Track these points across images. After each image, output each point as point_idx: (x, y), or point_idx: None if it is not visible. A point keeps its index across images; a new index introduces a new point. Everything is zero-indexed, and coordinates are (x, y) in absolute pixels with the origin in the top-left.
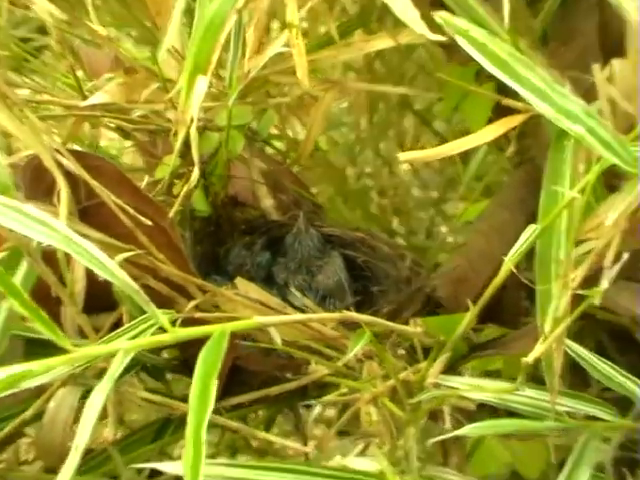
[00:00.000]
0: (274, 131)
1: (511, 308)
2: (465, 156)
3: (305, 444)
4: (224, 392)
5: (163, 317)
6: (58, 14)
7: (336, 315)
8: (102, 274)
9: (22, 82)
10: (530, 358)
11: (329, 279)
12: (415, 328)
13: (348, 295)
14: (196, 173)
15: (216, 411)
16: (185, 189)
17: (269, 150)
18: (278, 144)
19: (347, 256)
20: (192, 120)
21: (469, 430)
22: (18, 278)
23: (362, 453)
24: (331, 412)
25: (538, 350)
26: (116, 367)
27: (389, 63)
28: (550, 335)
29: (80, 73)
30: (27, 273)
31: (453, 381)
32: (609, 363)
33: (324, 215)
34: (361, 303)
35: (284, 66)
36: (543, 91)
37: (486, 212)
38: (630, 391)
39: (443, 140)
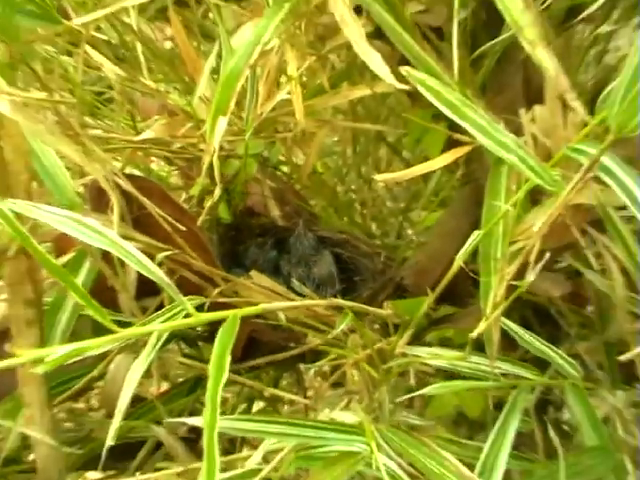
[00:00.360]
0: (281, 158)
1: (461, 293)
2: (426, 176)
3: (304, 396)
4: (243, 357)
5: (189, 304)
6: (121, 73)
7: (325, 302)
8: (142, 271)
9: (95, 124)
10: (474, 334)
11: (322, 271)
12: (386, 310)
13: (337, 283)
14: (218, 190)
15: (237, 371)
16: (211, 202)
17: (277, 173)
18: (284, 168)
19: (336, 253)
20: (214, 150)
21: (429, 390)
22: (82, 273)
23: (346, 407)
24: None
25: (481, 327)
26: (152, 344)
27: (368, 107)
28: (490, 316)
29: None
30: (90, 269)
31: (417, 350)
32: (532, 334)
33: (318, 222)
34: (346, 289)
35: (288, 109)
36: (485, 128)
37: (440, 220)
38: (547, 355)
39: (409, 165)
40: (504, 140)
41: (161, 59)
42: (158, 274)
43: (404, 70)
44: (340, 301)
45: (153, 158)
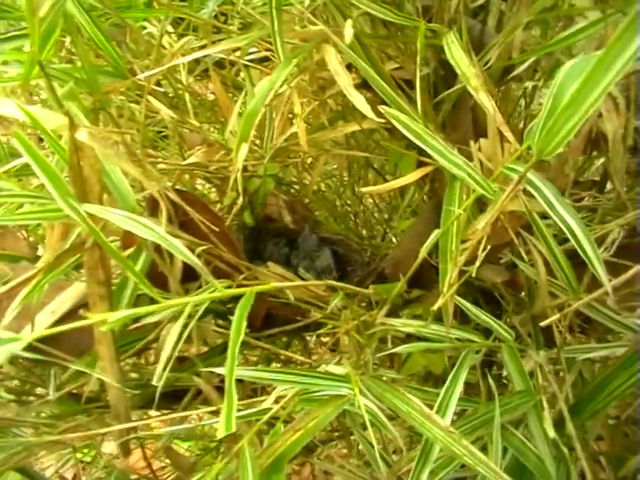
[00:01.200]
0: (293, 178)
1: (427, 280)
2: (403, 194)
3: (309, 357)
4: (262, 327)
5: (218, 285)
6: (173, 116)
7: (322, 282)
8: (184, 259)
9: (154, 153)
10: (435, 307)
11: (323, 263)
12: (369, 291)
13: (334, 272)
14: (240, 200)
15: (258, 338)
16: (235, 210)
17: (289, 189)
18: (295, 186)
19: (333, 250)
20: (239, 169)
21: (400, 349)
22: (140, 262)
23: (337, 363)
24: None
25: (439, 302)
26: (187, 313)
27: (358, 140)
28: (446, 294)
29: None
30: (145, 258)
31: (392, 321)
32: (479, 309)
33: (320, 227)
34: (341, 277)
35: (297, 140)
36: (442, 152)
37: (411, 225)
38: (490, 325)
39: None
40: (457, 161)
41: (204, 106)
42: (195, 261)
43: (382, 109)
44: (333, 282)
45: (197, 179)
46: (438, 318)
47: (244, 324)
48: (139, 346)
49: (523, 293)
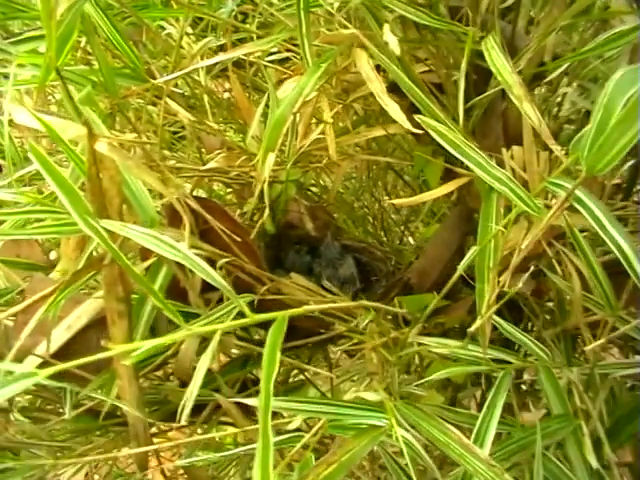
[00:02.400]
0: (313, 181)
1: (453, 289)
2: None
3: (330, 370)
4: (285, 339)
5: (242, 303)
6: (191, 117)
7: (354, 303)
8: (205, 278)
9: (171, 156)
10: (472, 328)
11: (346, 272)
12: (398, 309)
13: (357, 282)
14: (267, 211)
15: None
16: (261, 219)
17: (309, 194)
18: (316, 189)
19: (356, 258)
20: (265, 179)
21: (438, 375)
22: (160, 275)
23: (368, 386)
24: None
25: (477, 323)
26: (214, 343)
27: (379, 143)
28: (484, 316)
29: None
30: (166, 272)
31: (426, 340)
32: (512, 325)
33: (342, 233)
34: (365, 287)
35: (319, 145)
36: (482, 164)
37: (437, 232)
38: (525, 343)
39: (410, 187)
40: (498, 174)
41: (222, 107)
42: (217, 279)
43: (418, 118)
44: (366, 302)
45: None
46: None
47: (278, 356)
48: (158, 361)
49: (552, 305)
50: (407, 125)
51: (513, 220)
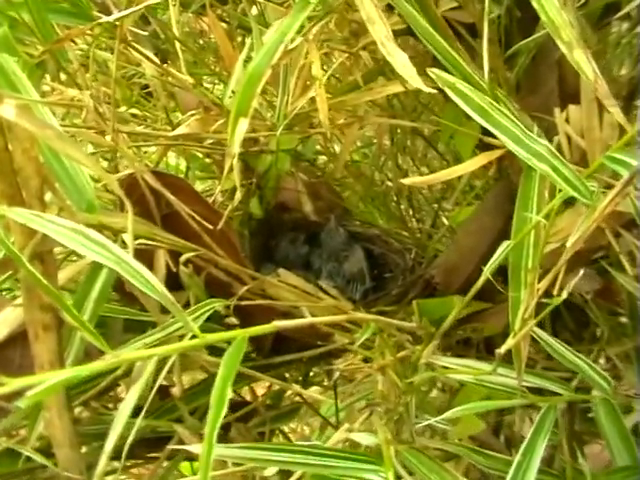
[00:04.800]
0: (319, 148)
1: (489, 286)
2: None
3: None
4: (272, 352)
5: (191, 322)
6: (158, 68)
7: (343, 317)
8: (145, 289)
9: (132, 118)
10: (502, 349)
11: (353, 267)
12: (411, 323)
13: (367, 280)
14: (238, 195)
15: (266, 366)
16: (236, 200)
17: (311, 167)
18: (322, 158)
19: (367, 249)
20: (235, 154)
21: (455, 413)
22: (102, 275)
23: (367, 419)
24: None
25: (509, 343)
26: (149, 372)
27: (403, 101)
28: (519, 333)
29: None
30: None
31: (443, 361)
32: (563, 344)
33: (351, 217)
34: (376, 286)
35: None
36: (516, 135)
37: (472, 216)
38: (578, 366)
39: (444, 158)
40: (537, 149)
41: (207, 50)
42: (161, 290)
43: (432, 72)
44: (358, 315)
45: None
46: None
47: (228, 392)
48: (101, 386)
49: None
50: (419, 83)
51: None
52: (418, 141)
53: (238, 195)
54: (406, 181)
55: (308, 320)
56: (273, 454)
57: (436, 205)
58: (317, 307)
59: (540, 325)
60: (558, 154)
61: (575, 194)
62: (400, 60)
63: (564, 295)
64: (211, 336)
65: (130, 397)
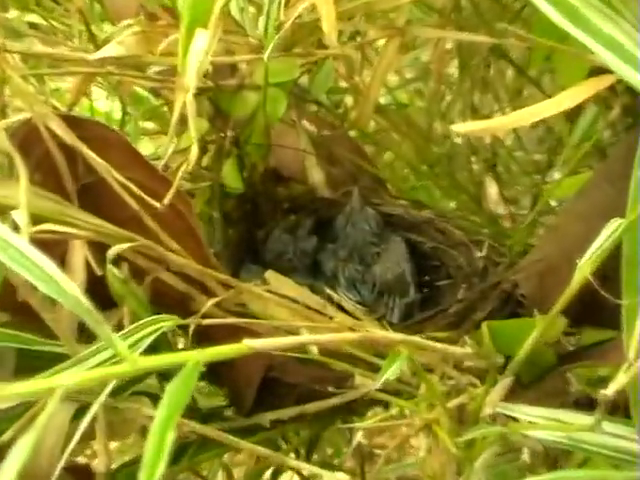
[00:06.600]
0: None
1: (610, 306)
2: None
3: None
4: (258, 406)
5: (122, 344)
6: None
7: (355, 336)
8: (50, 293)
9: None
10: (610, 391)
11: (388, 270)
12: (466, 349)
13: (411, 290)
14: (194, 153)
15: (247, 430)
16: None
17: (322, 111)
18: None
19: (411, 242)
20: (188, 89)
21: None
22: None
23: None
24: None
25: (621, 381)
26: (50, 409)
27: (478, 6)
28: (635, 363)
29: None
30: None
31: (518, 411)
32: None
33: (386, 192)
34: (426, 300)
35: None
36: (624, 47)
37: (587, 187)
38: None
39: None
40: None
41: None
42: (74, 295)
43: None
44: (378, 333)
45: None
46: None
47: (170, 436)
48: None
49: None
50: None
51: None
52: (503, 67)
53: (194, 151)
54: (459, 127)
55: (298, 339)
56: None
57: (538, 176)
58: (325, 330)
59: None
60: None
61: None
62: None
63: None
64: (146, 360)
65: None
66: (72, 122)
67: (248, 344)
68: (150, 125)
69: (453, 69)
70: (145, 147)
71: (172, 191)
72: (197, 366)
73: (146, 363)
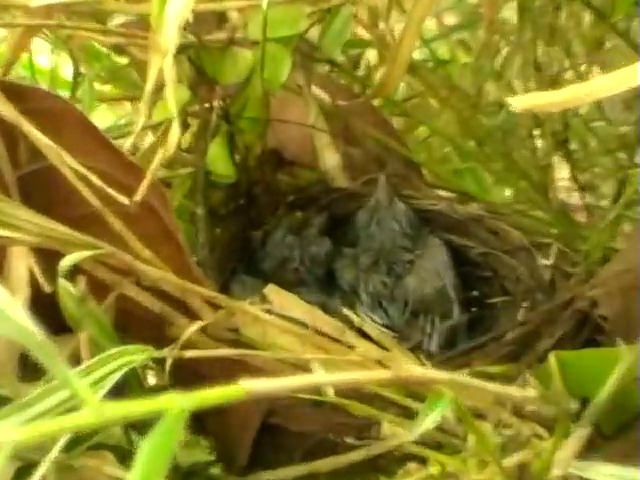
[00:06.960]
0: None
1: None
2: None
3: None
4: (252, 463)
5: (81, 384)
6: None
7: (383, 373)
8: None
9: None
10: None
11: (425, 283)
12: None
13: (455, 309)
14: (175, 132)
15: None
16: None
17: (337, 75)
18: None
19: (454, 245)
20: (167, 51)
21: None
22: None
23: None
24: None
25: None
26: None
27: None
28: None
29: None
30: None
31: (597, 472)
32: None
33: (422, 181)
34: (475, 322)
35: None
36: None
37: None
38: None
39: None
40: None
41: None
42: (28, 331)
43: None
44: (415, 371)
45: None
46: None
47: None
48: None
49: None
50: None
51: None
52: (577, 11)
53: (175, 131)
54: (517, 101)
55: (309, 379)
56: None
57: (623, 155)
58: (343, 364)
59: None
60: None
61: None
62: None
63: None
64: (116, 408)
65: None
66: (11, 91)
67: (246, 388)
68: (109, 88)
69: (510, 12)
70: (103, 117)
71: (145, 183)
72: (182, 415)
73: (115, 411)
